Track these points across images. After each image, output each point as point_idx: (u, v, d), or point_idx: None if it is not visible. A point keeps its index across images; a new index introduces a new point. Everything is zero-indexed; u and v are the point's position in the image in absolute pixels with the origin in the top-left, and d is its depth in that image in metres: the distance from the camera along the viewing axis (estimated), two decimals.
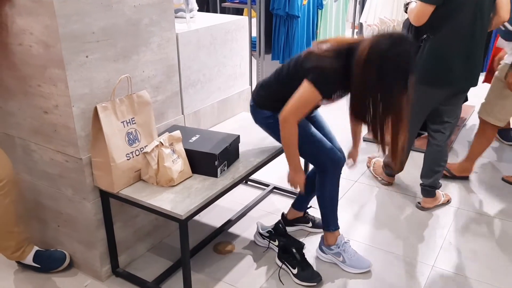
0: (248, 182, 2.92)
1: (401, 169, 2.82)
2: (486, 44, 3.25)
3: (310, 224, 2.43)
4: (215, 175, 1.97)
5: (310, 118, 2.13)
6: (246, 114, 2.74)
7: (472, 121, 3.81)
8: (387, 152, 1.86)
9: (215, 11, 5.50)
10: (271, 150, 2.24)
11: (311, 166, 2.33)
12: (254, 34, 3.76)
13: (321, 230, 2.41)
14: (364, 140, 3.59)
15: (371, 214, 2.62)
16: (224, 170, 2.01)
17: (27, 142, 1.99)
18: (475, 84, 2.39)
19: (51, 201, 2.06)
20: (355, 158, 2.29)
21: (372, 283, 2.09)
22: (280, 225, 2.29)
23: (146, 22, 1.96)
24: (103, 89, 1.83)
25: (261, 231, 2.32)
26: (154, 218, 2.23)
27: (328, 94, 1.85)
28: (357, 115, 1.86)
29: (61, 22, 1.63)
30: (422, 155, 2.69)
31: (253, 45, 3.82)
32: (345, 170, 2.97)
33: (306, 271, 2.09)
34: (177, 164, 1.90)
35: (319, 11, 3.96)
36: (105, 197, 1.92)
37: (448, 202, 2.70)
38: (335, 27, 4.15)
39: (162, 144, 1.87)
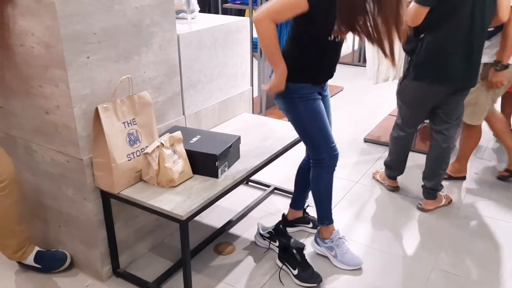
0: (249, 183, 2.92)
1: (400, 172, 2.82)
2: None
3: (311, 225, 2.44)
4: (216, 176, 1.97)
5: (322, 100, 2.09)
6: (247, 115, 2.75)
7: None
8: (388, 52, 1.79)
9: (216, 12, 5.50)
10: (272, 151, 2.24)
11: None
12: (255, 35, 3.76)
13: None
14: (365, 141, 3.60)
15: (371, 215, 2.62)
16: (225, 170, 2.02)
17: (28, 143, 2.00)
18: (474, 83, 2.39)
19: (52, 201, 2.06)
20: None
21: (372, 284, 2.09)
22: (281, 226, 2.29)
23: (148, 23, 1.96)
24: (104, 90, 1.84)
25: (261, 231, 2.33)
26: (155, 218, 2.23)
27: (315, 2, 1.74)
28: (349, 20, 1.76)
29: (62, 23, 1.63)
30: (424, 156, 2.69)
31: (254, 45, 3.82)
32: (346, 171, 2.97)
33: (306, 272, 2.09)
34: (178, 164, 1.90)
35: None
36: (106, 197, 1.92)
37: (449, 203, 2.70)
38: None
39: (163, 145, 1.87)
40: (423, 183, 2.65)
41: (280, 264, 2.17)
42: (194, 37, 2.26)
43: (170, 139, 1.91)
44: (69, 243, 2.12)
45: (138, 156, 1.90)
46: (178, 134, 1.95)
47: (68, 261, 2.12)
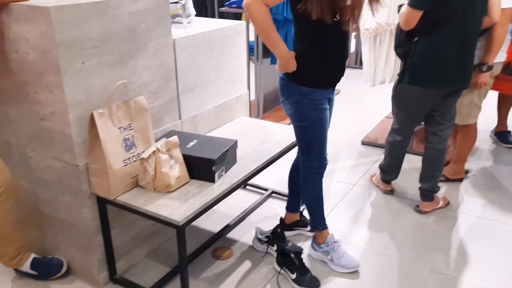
0: (247, 187, 2.92)
1: (395, 176, 2.82)
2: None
3: (309, 228, 2.43)
4: (213, 181, 1.96)
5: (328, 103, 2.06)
6: (244, 118, 2.74)
7: None
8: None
9: (213, 16, 5.51)
10: (269, 155, 2.24)
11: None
12: (252, 38, 3.76)
13: None
14: (362, 144, 3.59)
15: (369, 217, 2.62)
16: (222, 175, 2.01)
17: (24, 149, 1.98)
18: (468, 85, 2.40)
19: (48, 207, 2.05)
20: None
21: (370, 287, 2.08)
22: (279, 230, 2.29)
23: (143, 28, 1.96)
24: (100, 95, 1.83)
25: (259, 236, 2.32)
26: (152, 223, 2.22)
27: None
28: None
29: (57, 28, 1.63)
30: (420, 158, 2.69)
31: (251, 49, 3.83)
32: (344, 174, 2.97)
33: (304, 276, 2.08)
34: (175, 169, 1.90)
35: None
36: (102, 203, 1.91)
37: (447, 205, 2.70)
38: None
39: (159, 150, 1.86)
40: (420, 185, 2.65)
41: (278, 269, 2.17)
42: (190, 41, 2.26)
43: (167, 144, 1.90)
44: (65, 249, 2.11)
45: (134, 161, 1.89)
46: (174, 139, 1.94)
47: (65, 267, 2.10)
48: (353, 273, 2.15)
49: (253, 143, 2.36)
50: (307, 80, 1.91)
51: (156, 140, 1.99)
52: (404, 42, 2.35)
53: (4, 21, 1.75)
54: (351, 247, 2.34)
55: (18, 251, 2.02)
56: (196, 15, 2.66)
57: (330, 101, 2.08)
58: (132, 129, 1.90)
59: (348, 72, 2.04)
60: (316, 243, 2.24)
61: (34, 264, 2.07)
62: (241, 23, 2.61)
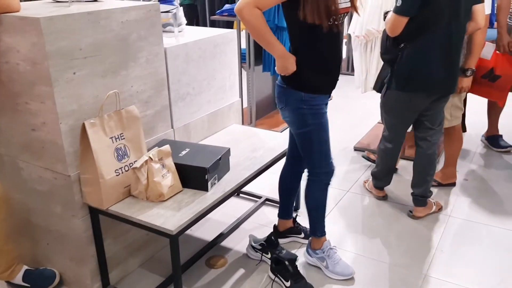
0: (240, 194, 2.91)
1: (387, 182, 2.83)
2: None
3: (302, 235, 2.43)
4: (206, 189, 1.96)
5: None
6: (236, 126, 2.75)
7: None
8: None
9: (204, 24, 5.53)
10: (262, 162, 2.24)
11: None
12: (244, 46, 3.78)
13: None
14: (355, 150, 3.61)
15: (362, 223, 2.62)
16: (214, 183, 2.01)
17: (15, 160, 1.97)
18: (454, 89, 2.42)
19: (40, 218, 2.04)
20: None
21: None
22: (272, 238, 2.28)
23: (134, 37, 1.96)
24: (91, 105, 1.83)
25: (253, 244, 2.31)
26: (145, 233, 2.21)
27: None
28: None
29: (48, 39, 1.63)
30: (413, 163, 2.70)
31: (243, 57, 3.84)
32: (337, 180, 2.98)
33: (299, 284, 2.08)
34: (167, 178, 1.89)
35: None
36: (95, 213, 1.90)
37: (440, 210, 2.71)
38: None
39: (152, 159, 1.86)
40: (412, 191, 2.66)
41: (272, 276, 2.16)
42: (181, 50, 2.26)
43: (159, 153, 1.90)
44: (58, 260, 2.09)
45: (126, 171, 1.88)
46: (166, 147, 1.94)
47: (57, 279, 2.08)
48: (348, 279, 2.15)
49: (246, 150, 2.37)
50: (306, 86, 1.91)
51: (149, 149, 1.99)
52: (391, 48, 2.37)
53: None
54: (345, 253, 2.34)
55: (10, 263, 2.00)
56: (187, 24, 2.68)
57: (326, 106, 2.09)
58: (124, 138, 1.89)
59: (340, 78, 2.05)
60: (312, 248, 2.24)
61: (27, 276, 2.05)
62: (232, 31, 2.62)
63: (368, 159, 3.34)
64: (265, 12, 3.75)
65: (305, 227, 2.45)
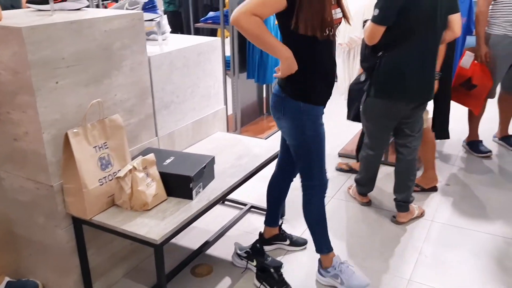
0: (225, 202, 2.91)
1: (371, 189, 2.86)
2: (451, 60, 3.37)
3: (288, 242, 2.44)
4: (191, 197, 1.96)
5: None
6: (221, 133, 2.75)
7: None
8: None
9: (189, 32, 5.52)
10: (247, 170, 2.25)
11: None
12: (228, 53, 3.79)
13: (299, 248, 2.44)
14: (339, 156, 3.64)
15: (347, 229, 2.64)
16: (199, 191, 2.01)
17: None
18: (432, 96, 2.47)
19: (23, 229, 2.01)
20: None
21: None
22: (258, 245, 2.29)
23: (118, 46, 1.96)
24: (74, 114, 1.82)
25: (238, 251, 2.31)
26: (129, 242, 2.19)
27: None
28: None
29: (30, 49, 1.61)
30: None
31: (227, 64, 3.85)
32: None
33: None
34: (151, 187, 1.89)
35: None
36: (78, 223, 1.88)
37: (422, 215, 2.75)
38: None
39: (136, 168, 1.85)
40: (394, 196, 2.69)
41: (258, 284, 2.16)
42: (165, 58, 2.26)
43: (143, 162, 1.89)
44: (40, 271, 2.06)
45: (110, 180, 1.87)
46: (151, 156, 1.93)
47: None
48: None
49: (231, 158, 2.37)
50: (305, 96, 1.89)
51: (133, 158, 1.98)
52: (369, 56, 2.41)
53: None
54: None
55: None
56: (171, 31, 2.68)
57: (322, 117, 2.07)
58: (107, 147, 1.88)
59: None
60: (323, 268, 2.17)
61: (8, 287, 2.01)
62: (216, 39, 2.63)
63: (341, 169, 3.35)
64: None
65: (290, 234, 2.46)
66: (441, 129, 3.28)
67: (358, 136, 3.97)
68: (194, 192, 1.96)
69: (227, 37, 3.76)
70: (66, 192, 1.82)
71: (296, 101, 1.90)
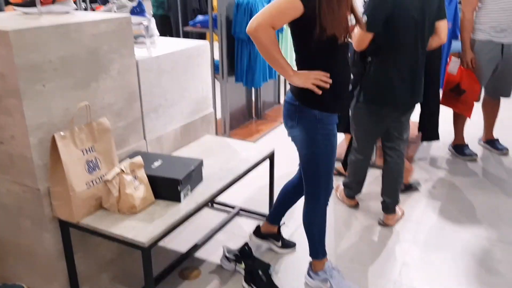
0: (214, 205, 2.92)
1: (360, 190, 2.89)
2: (438, 62, 3.41)
3: (280, 244, 2.44)
4: (179, 200, 1.96)
5: None
6: (210, 137, 2.76)
7: None
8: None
9: (178, 36, 5.53)
10: (235, 173, 2.26)
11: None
12: (217, 57, 3.81)
13: (289, 251, 2.45)
14: None
15: (334, 232, 2.66)
16: (187, 194, 2.01)
17: None
18: (420, 100, 2.50)
19: (9, 233, 1.99)
20: None
21: None
22: (246, 248, 2.29)
23: (106, 49, 1.96)
24: (61, 118, 1.81)
25: (227, 254, 2.32)
26: (117, 246, 2.18)
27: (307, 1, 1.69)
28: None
29: (17, 52, 1.61)
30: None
31: (216, 68, 3.86)
32: None
33: None
34: (139, 190, 1.89)
35: (280, 35, 4.05)
36: (65, 227, 1.88)
37: (403, 215, 2.78)
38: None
39: (123, 171, 1.85)
40: (383, 199, 2.72)
41: (246, 286, 2.17)
42: (153, 62, 2.27)
43: (131, 165, 1.89)
44: (27, 276, 2.04)
45: (97, 183, 1.87)
46: (138, 159, 1.94)
47: None
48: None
49: (219, 161, 2.38)
50: (321, 104, 1.85)
51: (120, 161, 1.98)
52: (358, 62, 2.44)
53: None
54: None
55: None
56: (160, 35, 2.68)
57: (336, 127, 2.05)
58: (95, 151, 1.88)
59: None
60: (314, 271, 2.18)
61: None
62: (205, 43, 2.64)
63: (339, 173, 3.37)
64: (237, 22, 3.77)
65: (286, 239, 2.48)
66: (431, 130, 3.33)
67: (346, 140, 4.00)
68: (182, 195, 1.96)
69: (215, 41, 3.77)
70: (53, 195, 1.82)
71: (312, 109, 1.86)
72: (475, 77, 3.31)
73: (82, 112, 1.85)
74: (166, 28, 5.74)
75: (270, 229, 2.44)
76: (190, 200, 1.99)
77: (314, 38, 1.74)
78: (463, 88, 3.34)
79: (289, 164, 3.41)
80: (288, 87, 2.27)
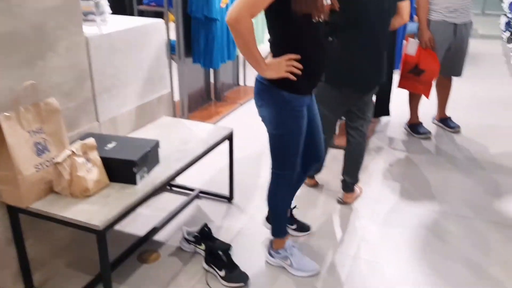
0: (172, 188, 2.87)
1: (319, 170, 2.91)
2: (393, 45, 3.47)
3: (295, 226, 2.43)
4: (134, 182, 1.91)
5: (309, 108, 2.00)
6: (166, 118, 2.69)
7: (385, 118, 4.02)
8: None
9: (132, 14, 5.35)
10: (193, 154, 2.22)
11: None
12: (173, 37, 3.71)
13: (304, 233, 2.45)
14: None
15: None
16: (144, 176, 1.96)
17: None
18: (383, 79, 2.53)
19: None
20: None
21: (292, 275, 2.14)
22: (206, 229, 2.28)
23: (52, 26, 1.86)
24: (5, 98, 1.71)
25: (186, 236, 2.29)
26: (71, 231, 2.11)
27: None
28: None
29: None
30: (342, 151, 2.79)
31: (172, 48, 3.77)
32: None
33: (233, 273, 2.09)
34: (92, 173, 1.82)
35: None
36: (14, 212, 1.79)
37: (361, 192, 2.84)
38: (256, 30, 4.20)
39: (75, 153, 1.78)
40: (343, 178, 2.75)
41: (207, 267, 2.16)
42: (105, 40, 2.18)
43: (82, 147, 1.82)
44: None
45: (47, 166, 1.79)
46: (91, 140, 1.86)
47: None
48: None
49: (176, 142, 2.33)
50: (289, 85, 1.81)
51: (71, 143, 1.90)
52: None
53: None
54: None
55: None
56: (113, 13, 2.57)
57: (312, 107, 2.03)
58: (43, 132, 1.79)
59: None
60: (274, 249, 2.20)
61: None
62: (159, 21, 2.56)
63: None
64: (194, 1, 3.66)
65: (301, 221, 2.47)
66: (381, 106, 3.40)
67: None
68: (138, 177, 1.91)
69: (171, 22, 3.67)
70: (0, 180, 1.72)
71: (280, 90, 1.83)
72: (435, 56, 3.36)
73: (28, 92, 1.75)
74: (119, 6, 5.54)
75: None
76: (146, 182, 1.94)
77: (288, 18, 1.72)
78: (422, 68, 3.40)
79: (249, 146, 3.40)
80: (248, 68, 2.23)
